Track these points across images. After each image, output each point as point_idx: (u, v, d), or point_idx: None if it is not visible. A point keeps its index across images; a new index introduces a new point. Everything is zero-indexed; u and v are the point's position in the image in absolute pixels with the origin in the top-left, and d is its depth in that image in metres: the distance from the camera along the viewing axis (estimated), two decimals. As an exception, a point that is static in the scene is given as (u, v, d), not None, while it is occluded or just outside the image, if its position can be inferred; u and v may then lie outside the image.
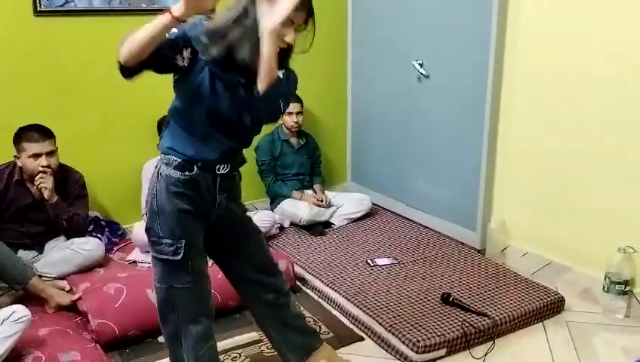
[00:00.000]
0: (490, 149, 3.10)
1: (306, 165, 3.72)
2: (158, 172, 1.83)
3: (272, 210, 3.58)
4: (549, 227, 2.95)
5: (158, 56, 1.63)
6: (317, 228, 3.44)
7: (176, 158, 1.79)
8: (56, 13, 3.01)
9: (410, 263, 3.04)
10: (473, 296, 2.67)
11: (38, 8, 2.94)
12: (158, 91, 3.36)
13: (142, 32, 1.57)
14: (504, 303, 2.60)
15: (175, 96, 1.82)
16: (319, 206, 3.53)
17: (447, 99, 3.29)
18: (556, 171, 2.87)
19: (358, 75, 3.99)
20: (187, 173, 1.79)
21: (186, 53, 1.68)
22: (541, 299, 2.63)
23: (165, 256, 1.82)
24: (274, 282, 2.07)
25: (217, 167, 1.84)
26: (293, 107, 3.55)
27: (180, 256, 1.81)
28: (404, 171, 3.69)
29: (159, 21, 1.56)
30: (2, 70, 2.95)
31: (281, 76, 1.73)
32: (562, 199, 2.86)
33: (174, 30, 1.62)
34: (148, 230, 1.85)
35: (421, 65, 3.38)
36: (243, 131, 1.85)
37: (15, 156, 2.81)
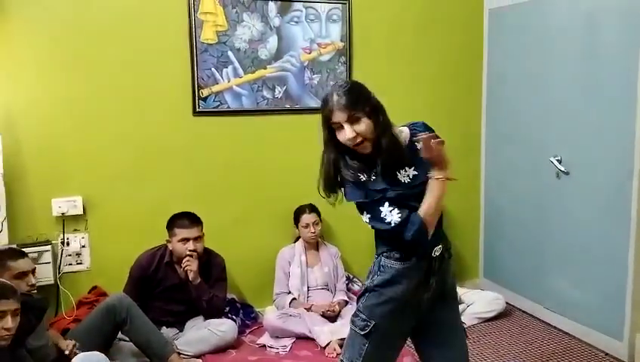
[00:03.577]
0: (638, 250, 2.86)
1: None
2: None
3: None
4: None
5: None
6: (445, 325, 3.33)
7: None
8: (211, 114, 3.37)
9: (547, 372, 2.82)
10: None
11: (197, 109, 3.33)
12: (293, 184, 3.60)
13: (432, 206, 1.86)
14: None
15: None
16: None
17: (590, 196, 3.13)
18: None
19: (491, 169, 3.94)
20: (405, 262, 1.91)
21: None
22: None
23: (354, 328, 1.94)
24: None
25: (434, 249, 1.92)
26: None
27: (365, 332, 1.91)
28: (542, 270, 3.50)
29: (436, 189, 1.88)
30: (162, 162, 3.32)
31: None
32: None
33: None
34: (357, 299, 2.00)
35: (560, 161, 3.27)
36: None
37: (167, 240, 3.10)
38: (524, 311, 3.62)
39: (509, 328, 3.39)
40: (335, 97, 1.82)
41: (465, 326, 3.25)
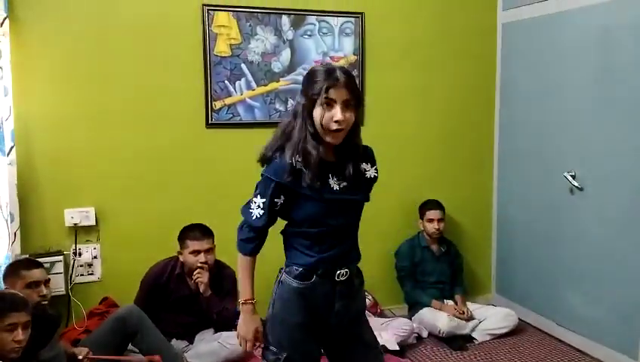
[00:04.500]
0: (654, 270, 2.83)
1: (446, 273, 3.64)
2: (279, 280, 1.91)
3: (410, 318, 3.51)
4: None
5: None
6: (457, 342, 3.30)
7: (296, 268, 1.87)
8: (224, 126, 3.38)
9: (560, 391, 2.77)
10: None
11: (210, 122, 3.34)
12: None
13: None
14: None
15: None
16: (460, 318, 3.40)
17: (604, 212, 3.09)
18: None
19: (504, 184, 3.91)
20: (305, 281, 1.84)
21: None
22: None
23: None
24: None
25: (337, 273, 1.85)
26: (434, 214, 3.56)
27: None
28: (555, 287, 3.46)
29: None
30: (175, 174, 3.33)
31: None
32: None
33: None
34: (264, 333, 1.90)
35: (574, 176, 3.25)
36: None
37: (178, 252, 3.10)
38: (536, 328, 3.57)
39: (521, 345, 3.35)
40: (340, 74, 1.72)
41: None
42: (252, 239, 1.88)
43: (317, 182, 1.76)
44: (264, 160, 1.86)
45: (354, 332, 1.94)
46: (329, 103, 1.72)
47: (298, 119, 1.77)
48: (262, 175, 1.86)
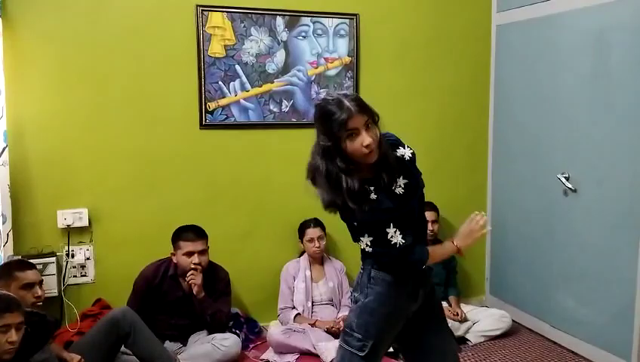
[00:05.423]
0: (647, 271, 2.84)
1: (440, 275, 3.64)
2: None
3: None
4: None
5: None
6: (451, 343, 3.30)
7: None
8: (218, 127, 3.37)
9: (554, 393, 2.78)
10: None
11: (203, 123, 3.33)
12: (299, 198, 3.58)
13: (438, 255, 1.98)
14: None
15: None
16: (454, 320, 3.40)
17: (598, 214, 3.10)
18: None
19: (498, 185, 3.92)
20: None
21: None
22: None
23: (349, 348, 1.94)
24: None
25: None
26: (428, 215, 3.55)
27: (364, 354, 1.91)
28: (549, 288, 3.46)
29: (449, 251, 2.01)
30: (168, 175, 3.32)
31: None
32: None
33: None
34: (347, 319, 1.99)
35: (567, 178, 3.25)
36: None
37: (172, 253, 3.09)
38: (530, 329, 3.58)
39: (515, 346, 3.36)
40: (348, 102, 1.76)
41: (469, 341, 3.24)
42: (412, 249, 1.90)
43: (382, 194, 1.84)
44: (330, 206, 1.87)
45: (431, 315, 2.05)
46: (353, 133, 1.77)
47: (325, 160, 1.82)
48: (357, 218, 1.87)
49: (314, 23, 3.50)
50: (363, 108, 1.78)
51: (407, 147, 1.99)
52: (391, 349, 2.18)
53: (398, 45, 3.70)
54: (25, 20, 2.97)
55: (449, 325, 3.25)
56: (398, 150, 1.95)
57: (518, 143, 3.70)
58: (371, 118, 1.80)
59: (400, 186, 1.89)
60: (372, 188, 1.82)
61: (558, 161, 3.33)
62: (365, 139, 1.75)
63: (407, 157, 1.96)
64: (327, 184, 1.82)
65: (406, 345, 2.09)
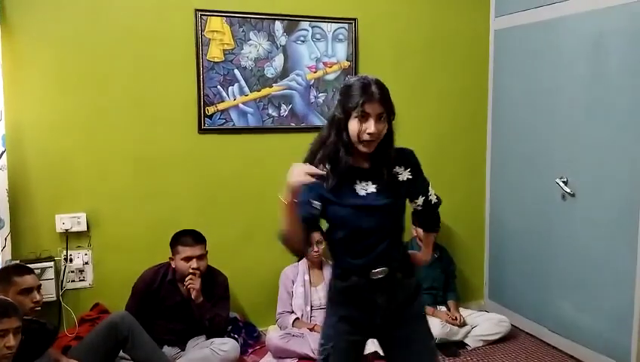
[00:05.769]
0: (645, 276, 2.84)
1: (439, 279, 3.64)
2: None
3: (404, 324, 3.50)
4: None
5: (312, 226, 1.92)
6: (450, 348, 3.30)
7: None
8: (217, 131, 3.37)
9: (553, 398, 2.77)
10: None
11: (202, 127, 3.33)
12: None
13: (290, 232, 1.89)
14: None
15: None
16: (453, 324, 3.40)
17: (596, 219, 3.11)
18: None
19: (496, 190, 3.92)
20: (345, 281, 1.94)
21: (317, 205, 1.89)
22: None
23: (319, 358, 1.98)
24: None
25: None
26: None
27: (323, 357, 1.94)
28: (548, 293, 3.47)
29: (286, 215, 1.85)
30: (167, 180, 3.31)
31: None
32: None
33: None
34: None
35: (565, 183, 3.26)
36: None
37: (170, 258, 3.09)
38: (529, 334, 3.58)
39: (513, 351, 3.36)
40: (375, 88, 1.81)
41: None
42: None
43: (336, 187, 1.86)
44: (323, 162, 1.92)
45: (402, 336, 1.97)
46: (364, 116, 1.80)
47: (333, 129, 1.87)
48: None
49: (313, 27, 3.50)
50: (385, 100, 1.82)
51: (411, 172, 1.98)
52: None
53: (397, 50, 3.71)
54: (23, 25, 2.97)
55: (447, 330, 3.32)
56: (399, 168, 1.95)
57: (516, 148, 3.71)
58: (387, 112, 1.83)
59: (365, 190, 1.89)
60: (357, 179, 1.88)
61: (557, 165, 3.34)
62: (371, 127, 1.79)
63: (403, 179, 1.96)
64: (325, 150, 1.88)
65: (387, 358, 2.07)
